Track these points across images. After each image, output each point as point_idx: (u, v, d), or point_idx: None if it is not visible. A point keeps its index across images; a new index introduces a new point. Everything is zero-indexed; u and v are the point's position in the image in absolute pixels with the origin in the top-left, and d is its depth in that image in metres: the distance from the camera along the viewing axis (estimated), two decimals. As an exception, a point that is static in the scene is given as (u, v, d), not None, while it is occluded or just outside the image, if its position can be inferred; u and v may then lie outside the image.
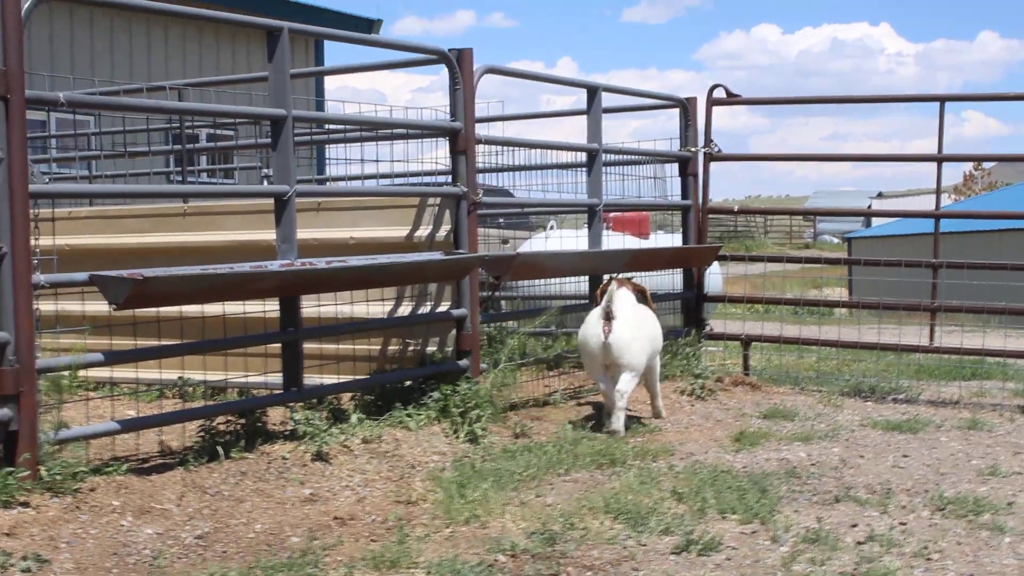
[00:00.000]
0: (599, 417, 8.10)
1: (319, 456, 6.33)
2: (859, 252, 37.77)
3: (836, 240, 54.91)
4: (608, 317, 7.70)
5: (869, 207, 51.99)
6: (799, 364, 11.16)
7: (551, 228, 13.02)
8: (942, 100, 9.75)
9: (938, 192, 10.12)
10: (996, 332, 11.40)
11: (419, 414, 7.22)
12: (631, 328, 7.81)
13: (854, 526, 5.58)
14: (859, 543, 5.28)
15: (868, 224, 49.02)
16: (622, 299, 7.88)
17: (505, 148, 9.61)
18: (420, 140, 9.34)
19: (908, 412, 8.83)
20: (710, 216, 10.61)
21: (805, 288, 34.41)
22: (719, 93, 10.38)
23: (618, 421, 7.74)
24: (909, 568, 4.93)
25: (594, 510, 5.68)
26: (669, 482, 6.29)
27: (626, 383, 7.78)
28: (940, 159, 9.89)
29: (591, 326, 7.84)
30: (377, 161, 8.55)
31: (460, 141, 7.76)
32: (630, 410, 8.04)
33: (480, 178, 8.29)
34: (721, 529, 5.48)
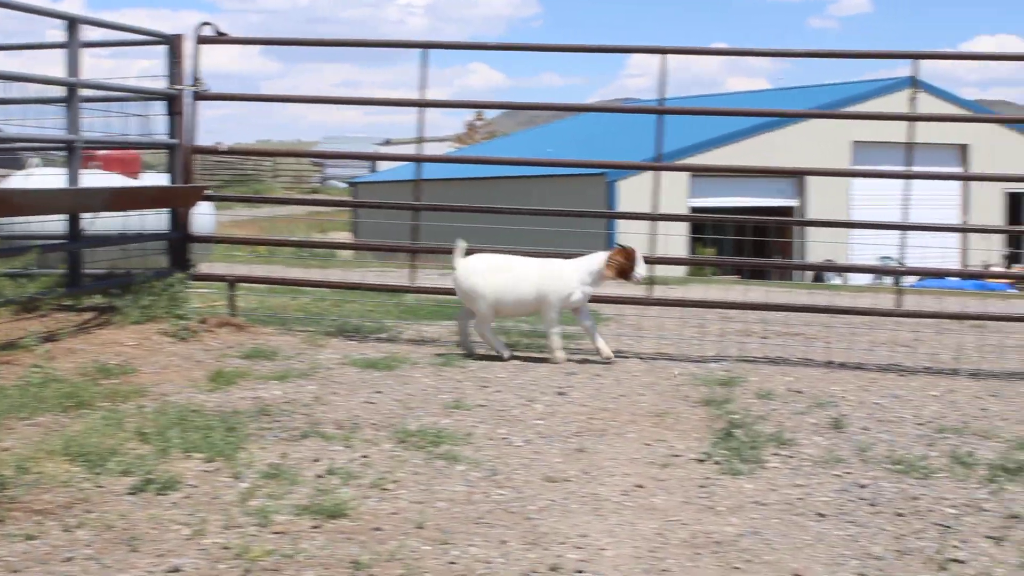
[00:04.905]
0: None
1: None
2: (363, 196, 38.63)
3: (343, 185, 55.68)
4: None
5: (376, 152, 53.03)
6: (291, 305, 11.28)
7: (35, 165, 12.47)
8: (424, 47, 10.08)
9: (420, 138, 10.47)
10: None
11: None
12: None
13: (317, 460, 5.71)
14: (319, 476, 5.42)
15: (374, 169, 50.16)
16: None
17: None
18: None
19: (388, 351, 9.09)
20: (217, 159, 10.51)
21: (312, 231, 34.88)
22: (207, 31, 10.23)
23: None
24: (364, 498, 5.12)
25: (52, 453, 5.51)
26: (136, 423, 6.20)
27: None
28: (422, 104, 10.21)
29: None
30: None
31: (-87, 69, 7.23)
32: None
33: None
34: (184, 468, 5.46)
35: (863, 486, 5.60)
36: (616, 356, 8.96)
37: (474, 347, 9.16)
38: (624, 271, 8.84)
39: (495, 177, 32.43)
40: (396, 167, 40.98)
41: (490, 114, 76.48)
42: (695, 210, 28.80)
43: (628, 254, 8.87)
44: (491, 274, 8.81)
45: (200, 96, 10.20)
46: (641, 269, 8.87)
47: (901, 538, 4.85)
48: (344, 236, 34.34)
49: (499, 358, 8.82)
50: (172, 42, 10.11)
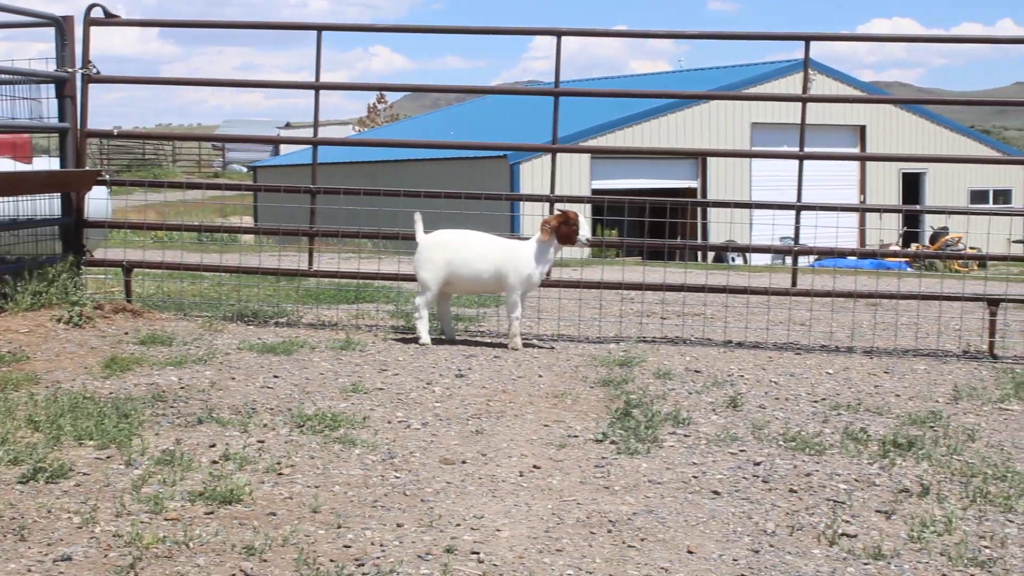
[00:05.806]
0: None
1: None
2: (264, 180, 38.32)
3: (245, 169, 55.13)
4: None
5: (277, 136, 52.62)
6: (191, 290, 11.15)
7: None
8: (320, 29, 9.99)
9: (315, 121, 10.36)
10: (388, 258, 11.90)
11: None
12: None
13: (212, 446, 5.65)
14: (214, 462, 5.36)
15: (276, 153, 49.79)
16: None
17: None
18: None
19: (287, 335, 9.01)
20: (117, 144, 10.34)
21: (212, 215, 34.47)
22: (97, 13, 10.05)
23: None
24: (259, 483, 5.07)
25: (-61, 444, 5.40)
26: (27, 411, 6.08)
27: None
28: (319, 87, 10.11)
29: None
30: None
31: None
32: None
33: None
34: (75, 456, 5.38)
35: (757, 463, 5.67)
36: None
37: (454, 333, 9.15)
38: (565, 236, 8.72)
39: (398, 160, 32.33)
40: (298, 151, 40.72)
41: (392, 97, 76.31)
42: (596, 192, 28.94)
43: (567, 218, 8.76)
44: (451, 248, 8.76)
45: (91, 79, 10.03)
46: (584, 231, 8.75)
47: (793, 514, 4.92)
48: (245, 220, 34.02)
49: (415, 340, 8.80)
50: (60, 23, 9.92)
